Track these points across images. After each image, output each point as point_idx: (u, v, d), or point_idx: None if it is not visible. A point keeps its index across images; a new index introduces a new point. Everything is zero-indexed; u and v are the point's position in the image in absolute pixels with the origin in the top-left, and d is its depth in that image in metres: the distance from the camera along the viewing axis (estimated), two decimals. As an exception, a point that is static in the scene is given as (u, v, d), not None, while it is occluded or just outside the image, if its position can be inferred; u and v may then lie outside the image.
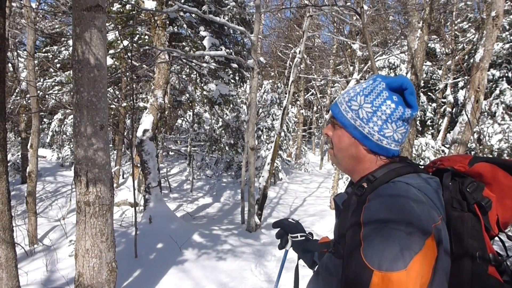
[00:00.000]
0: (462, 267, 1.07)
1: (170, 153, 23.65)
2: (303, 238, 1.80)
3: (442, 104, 21.17)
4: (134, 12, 10.19)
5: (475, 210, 1.13)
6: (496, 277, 1.08)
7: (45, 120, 22.49)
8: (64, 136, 19.83)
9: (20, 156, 17.00)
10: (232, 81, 13.38)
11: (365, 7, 9.50)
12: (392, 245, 0.97)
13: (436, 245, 1.02)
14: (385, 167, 1.23)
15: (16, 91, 16.57)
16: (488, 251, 1.09)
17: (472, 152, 10.72)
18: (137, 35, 12.00)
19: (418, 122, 21.49)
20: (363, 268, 0.98)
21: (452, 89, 19.87)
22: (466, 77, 16.83)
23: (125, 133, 15.46)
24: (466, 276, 1.06)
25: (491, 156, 8.06)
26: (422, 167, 1.30)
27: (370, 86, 1.25)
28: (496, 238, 1.22)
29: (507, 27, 18.28)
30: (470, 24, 20.20)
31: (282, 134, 18.92)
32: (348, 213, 1.17)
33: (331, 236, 1.80)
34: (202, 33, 11.25)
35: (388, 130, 1.21)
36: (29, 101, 13.22)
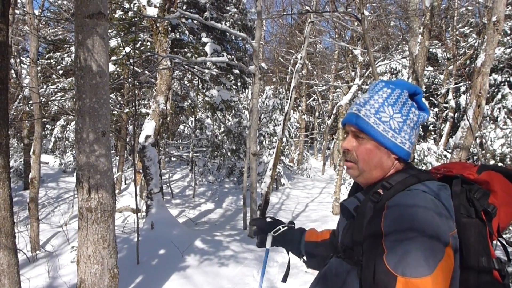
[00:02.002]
0: (469, 272, 1.10)
1: (172, 159, 23.65)
2: (286, 228, 1.79)
3: (444, 109, 21.15)
4: (136, 19, 10.24)
5: (482, 217, 1.15)
6: (500, 281, 1.12)
7: (47, 126, 22.52)
8: (67, 142, 19.89)
9: (22, 162, 17.05)
10: (234, 87, 13.40)
11: (366, 13, 9.53)
12: (416, 253, 0.98)
13: (453, 253, 1.04)
14: (402, 172, 1.24)
15: (19, 97, 16.62)
16: (491, 256, 1.13)
17: (475, 157, 10.70)
18: (139, 42, 12.05)
19: (420, 127, 21.46)
20: (386, 274, 0.99)
21: (453, 94, 19.86)
22: (467, 82, 16.82)
23: (127, 139, 15.49)
24: (473, 281, 1.10)
25: (494, 162, 8.07)
26: (430, 173, 1.31)
27: (393, 95, 1.26)
28: (498, 243, 1.25)
29: (509, 31, 18.30)
30: (471, 29, 20.21)
31: (284, 139, 18.93)
32: (363, 220, 1.17)
33: (319, 229, 1.81)
34: (204, 39, 11.29)
35: (413, 136, 1.26)
36: (31, 107, 13.26)
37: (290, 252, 1.84)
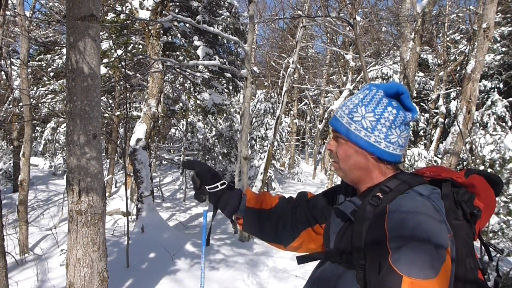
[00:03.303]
0: (457, 274, 1.11)
1: (163, 162, 23.58)
2: (224, 187, 1.69)
3: (435, 114, 21.32)
4: (128, 22, 10.21)
5: (469, 219, 1.18)
6: (483, 280, 1.15)
7: (37, 128, 22.40)
8: (57, 144, 19.76)
9: (12, 164, 16.90)
10: (226, 90, 13.41)
11: (358, 18, 9.59)
12: (422, 255, 1.00)
13: (451, 256, 1.06)
14: (395, 177, 1.25)
15: (9, 99, 16.50)
16: (475, 257, 1.16)
17: (464, 163, 10.77)
18: (131, 45, 12.02)
19: (411, 133, 21.59)
20: (392, 274, 1.00)
21: (444, 100, 20.03)
22: (458, 88, 16.95)
23: (118, 142, 15.42)
24: (461, 282, 1.11)
25: (483, 167, 8.15)
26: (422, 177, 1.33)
27: (368, 96, 1.27)
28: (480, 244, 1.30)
29: (498, 38, 18.51)
30: (461, 35, 20.43)
31: (275, 143, 18.93)
32: (362, 224, 1.18)
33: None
34: (196, 42, 11.29)
35: (393, 136, 1.24)
36: (22, 109, 13.17)
37: (216, 214, 1.77)
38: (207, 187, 1.68)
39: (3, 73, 14.36)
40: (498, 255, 1.29)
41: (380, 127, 1.23)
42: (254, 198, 1.70)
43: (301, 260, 1.42)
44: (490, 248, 1.27)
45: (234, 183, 1.75)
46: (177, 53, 11.30)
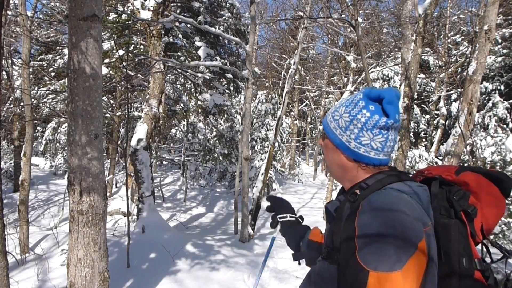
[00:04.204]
0: (450, 273, 1.11)
1: (164, 162, 23.57)
2: (293, 219, 1.81)
3: (436, 116, 21.31)
4: (129, 22, 10.22)
5: (461, 217, 1.17)
6: (482, 282, 1.13)
7: (38, 128, 22.39)
8: (58, 144, 19.75)
9: (13, 164, 16.90)
10: (227, 91, 13.40)
11: (360, 20, 9.58)
12: (387, 248, 1.01)
13: (427, 249, 1.06)
14: (373, 177, 1.26)
15: (10, 99, 16.49)
16: (474, 257, 1.14)
17: (465, 164, 10.76)
18: (133, 45, 12.03)
19: (412, 134, 21.60)
20: (359, 270, 1.02)
21: (445, 101, 20.01)
22: (459, 90, 16.97)
23: (119, 142, 15.43)
24: (455, 281, 1.10)
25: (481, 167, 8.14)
26: (410, 175, 1.33)
27: (351, 98, 1.30)
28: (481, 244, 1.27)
29: (500, 40, 18.51)
30: (463, 37, 20.41)
31: (276, 144, 18.93)
32: (341, 221, 1.20)
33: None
34: (197, 43, 11.28)
35: (364, 138, 1.24)
36: (23, 109, 13.17)
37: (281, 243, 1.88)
38: (277, 216, 1.82)
39: (4, 73, 14.39)
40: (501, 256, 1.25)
41: (352, 127, 1.25)
42: (318, 233, 1.74)
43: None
44: (498, 250, 1.23)
45: (303, 218, 1.88)
46: (179, 53, 11.29)
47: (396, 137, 1.28)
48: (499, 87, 18.55)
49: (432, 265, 1.07)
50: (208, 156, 17.35)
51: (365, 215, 1.11)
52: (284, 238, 1.83)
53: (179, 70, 11.37)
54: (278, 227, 1.82)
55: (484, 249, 1.27)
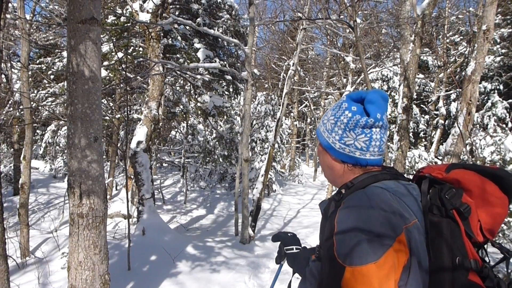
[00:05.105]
0: (442, 273, 1.10)
1: (164, 164, 23.58)
2: (298, 250, 1.83)
3: (435, 116, 21.32)
4: (128, 24, 10.23)
5: (453, 216, 1.15)
6: (477, 283, 1.09)
7: (38, 131, 22.37)
8: (57, 147, 19.73)
9: (12, 167, 16.88)
10: (226, 92, 13.41)
11: (358, 21, 9.60)
12: (362, 243, 1.04)
13: (408, 245, 1.07)
14: (360, 177, 1.28)
15: (10, 102, 16.49)
16: (469, 257, 1.11)
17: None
18: (132, 47, 12.02)
19: (411, 134, 21.62)
20: (336, 265, 1.05)
21: (444, 102, 20.03)
22: (458, 90, 16.97)
23: (118, 145, 15.43)
24: (447, 282, 1.09)
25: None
26: (406, 176, 1.35)
27: (338, 102, 1.34)
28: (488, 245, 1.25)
29: (498, 40, 18.52)
30: (461, 37, 20.44)
31: (276, 145, 18.94)
32: (326, 219, 1.24)
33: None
34: (196, 45, 11.30)
35: (348, 139, 1.27)
36: (22, 112, 13.17)
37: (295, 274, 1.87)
38: (284, 248, 1.86)
39: (3, 76, 14.38)
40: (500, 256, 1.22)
41: (336, 129, 1.29)
42: None
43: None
44: (499, 250, 1.19)
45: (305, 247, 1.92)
46: (178, 55, 11.30)
47: (383, 136, 1.28)
48: (498, 87, 18.56)
49: (415, 262, 1.08)
50: (208, 158, 17.38)
51: (343, 211, 1.14)
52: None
53: (178, 72, 11.37)
54: (285, 258, 1.87)
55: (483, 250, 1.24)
